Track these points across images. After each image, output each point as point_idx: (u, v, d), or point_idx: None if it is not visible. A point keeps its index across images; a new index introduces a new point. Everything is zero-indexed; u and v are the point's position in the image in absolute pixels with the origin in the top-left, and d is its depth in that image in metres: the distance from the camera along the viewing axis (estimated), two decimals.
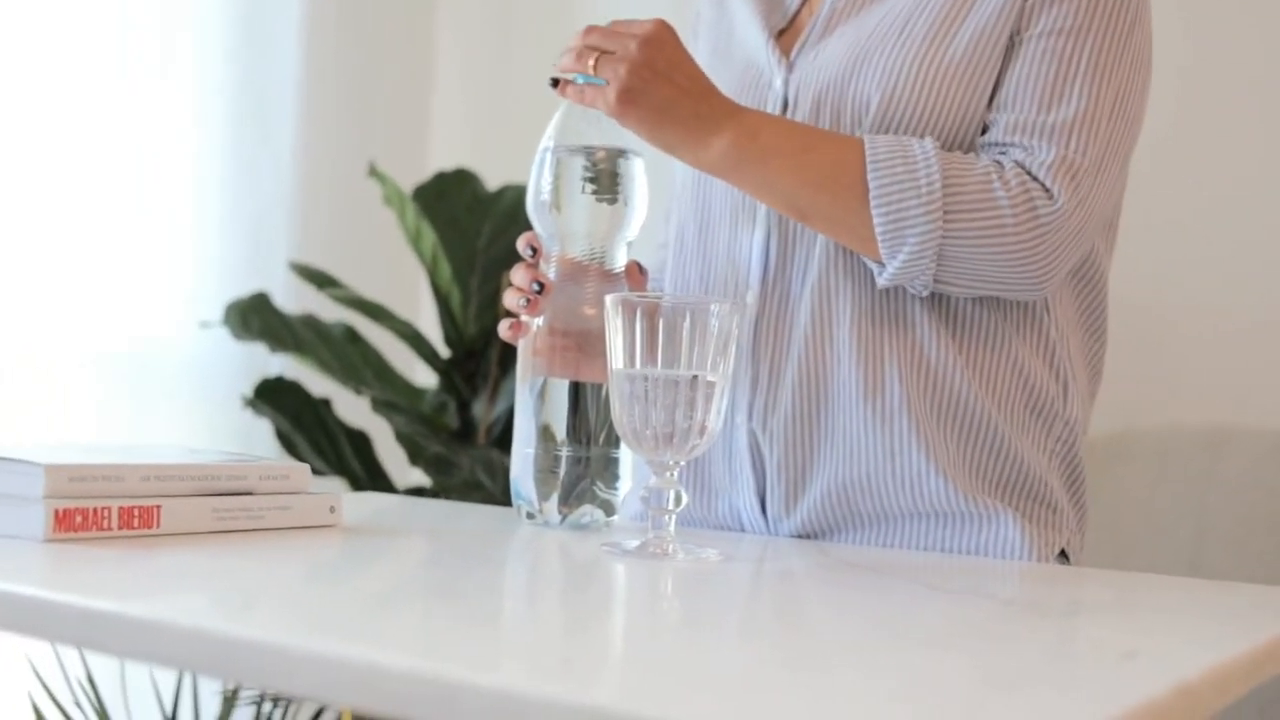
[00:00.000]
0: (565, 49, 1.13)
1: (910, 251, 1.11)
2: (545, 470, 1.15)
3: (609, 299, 1.01)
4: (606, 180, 1.16)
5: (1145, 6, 1.18)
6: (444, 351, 2.24)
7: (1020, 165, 1.12)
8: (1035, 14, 1.16)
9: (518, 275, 1.18)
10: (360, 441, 2.17)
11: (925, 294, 1.15)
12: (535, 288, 1.16)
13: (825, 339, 1.18)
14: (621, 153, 1.17)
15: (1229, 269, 2.00)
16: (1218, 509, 1.81)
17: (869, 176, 1.12)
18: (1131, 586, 1.01)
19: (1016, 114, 1.15)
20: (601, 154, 1.16)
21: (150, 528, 0.94)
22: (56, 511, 0.88)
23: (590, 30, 1.12)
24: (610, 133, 1.17)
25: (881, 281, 1.14)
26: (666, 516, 1.00)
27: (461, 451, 1.94)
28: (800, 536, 1.21)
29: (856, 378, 1.17)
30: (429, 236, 2.11)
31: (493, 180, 2.36)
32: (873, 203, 1.11)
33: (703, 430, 0.99)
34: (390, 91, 2.66)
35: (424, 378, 2.43)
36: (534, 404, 1.17)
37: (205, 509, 0.98)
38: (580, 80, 1.12)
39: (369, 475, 2.14)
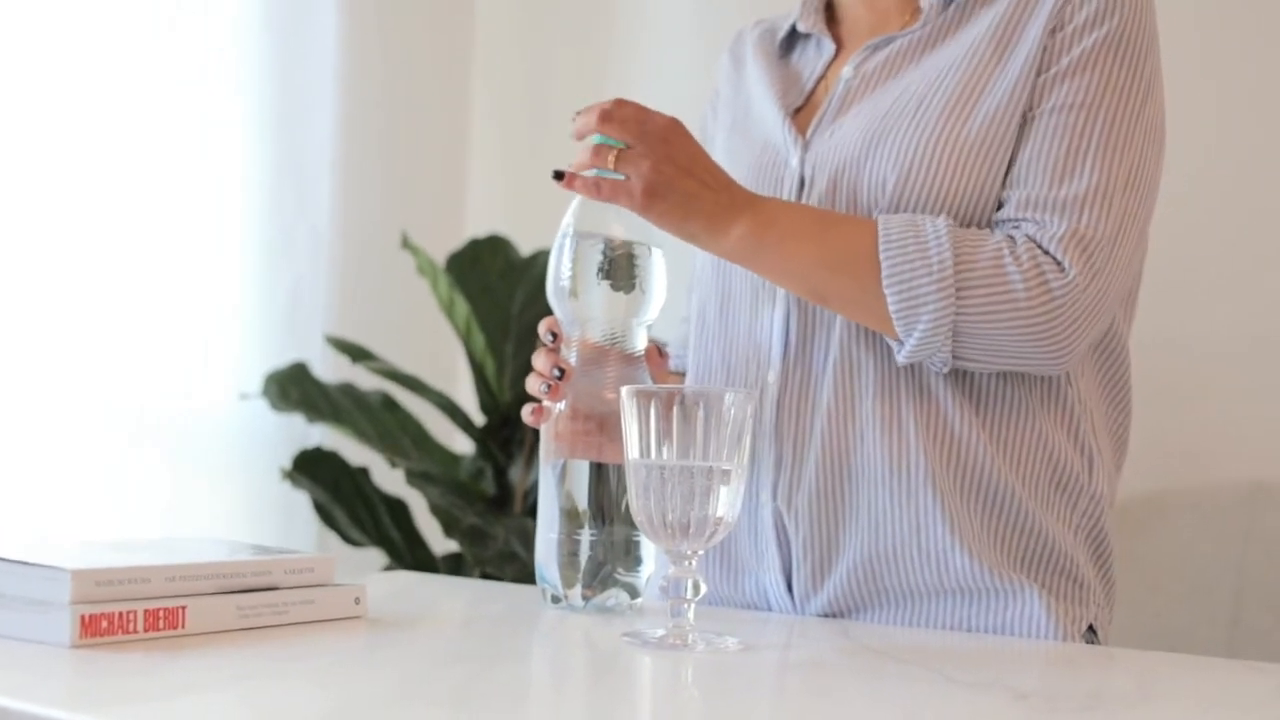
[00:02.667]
0: (580, 140, 1.14)
1: (925, 329, 1.12)
2: (568, 554, 1.16)
3: (624, 390, 1.02)
4: (623, 269, 1.17)
5: (1158, 80, 1.19)
6: (479, 419, 2.26)
7: (1032, 239, 1.13)
8: (1049, 89, 1.16)
9: (539, 361, 1.19)
10: (399, 510, 2.18)
11: (945, 370, 1.15)
12: (556, 374, 1.17)
13: (848, 416, 1.19)
14: (641, 244, 1.18)
15: (1263, 323, 1.99)
16: (1258, 565, 1.79)
17: (881, 256, 1.13)
18: (1155, 672, 1.01)
19: (1029, 189, 1.15)
20: (618, 243, 1.18)
21: (175, 629, 0.95)
22: (83, 617, 0.90)
23: (605, 121, 1.13)
24: (627, 220, 1.18)
25: (901, 359, 1.15)
26: (685, 606, 1.00)
27: (496, 522, 1.95)
28: (827, 615, 1.21)
29: (881, 453, 1.17)
30: (462, 307, 2.14)
31: (526, 246, 2.38)
32: (885, 282, 1.12)
33: (719, 520, 0.99)
34: (426, 160, 2.69)
35: (463, 444, 2.45)
36: (557, 487, 1.18)
37: (230, 607, 0.99)
38: (597, 174, 1.14)
39: (407, 544, 2.16)
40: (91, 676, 0.83)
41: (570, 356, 1.19)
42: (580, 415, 1.18)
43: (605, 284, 1.17)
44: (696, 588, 1.00)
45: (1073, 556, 1.19)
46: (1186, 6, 2.00)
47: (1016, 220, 1.15)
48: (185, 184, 2.18)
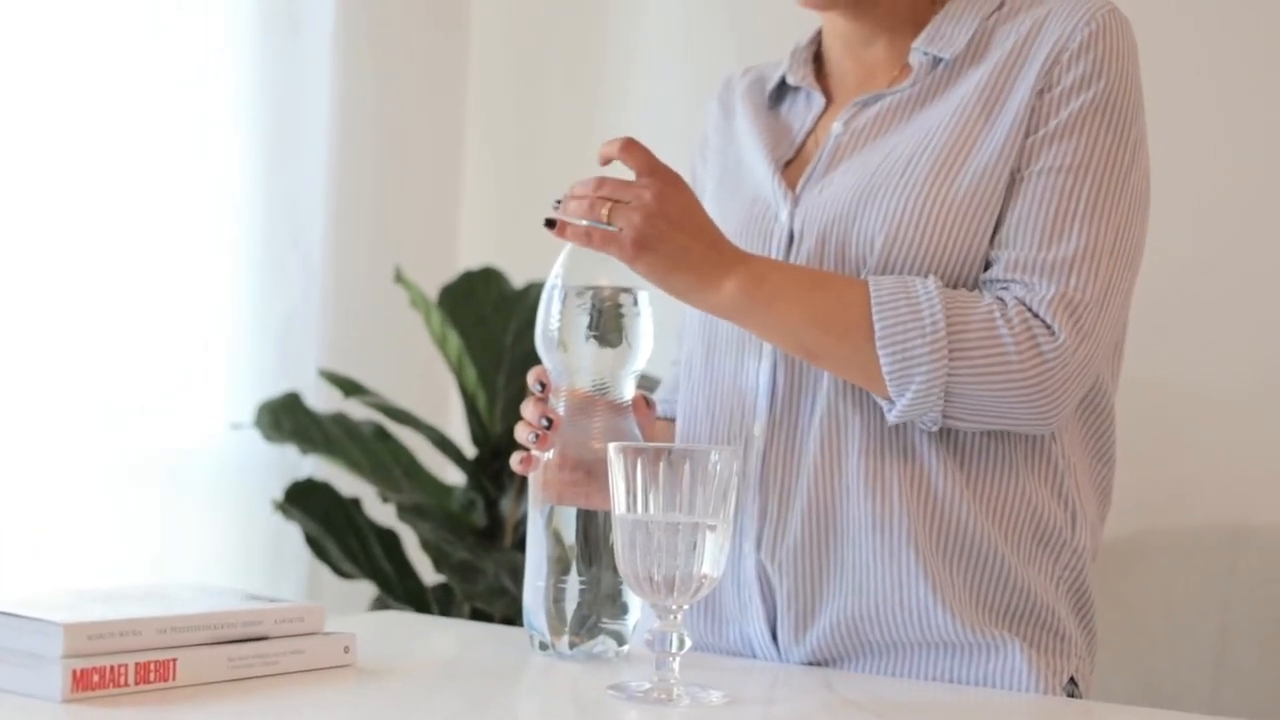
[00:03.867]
0: (573, 195, 1.16)
1: (917, 389, 1.13)
2: (555, 602, 1.18)
3: (611, 447, 1.03)
4: (611, 323, 1.19)
5: (1143, 143, 1.21)
6: (471, 451, 2.27)
7: (1021, 302, 1.15)
8: (1037, 151, 1.18)
9: (527, 410, 1.21)
10: (390, 542, 2.20)
11: (934, 429, 1.17)
12: (544, 423, 1.18)
13: (834, 471, 1.20)
14: (627, 293, 1.20)
15: (1247, 365, 2.01)
16: (1241, 605, 1.80)
17: (874, 316, 1.14)
18: None
19: (1018, 251, 1.17)
20: (606, 295, 1.19)
21: (166, 681, 0.96)
22: (74, 672, 0.91)
23: (603, 182, 1.15)
24: (616, 271, 1.20)
25: (892, 418, 1.16)
26: (671, 659, 1.02)
27: (486, 557, 1.97)
28: (811, 663, 1.22)
29: (864, 510, 1.19)
30: (454, 340, 2.15)
31: (519, 278, 2.40)
32: (878, 343, 1.14)
33: (704, 577, 1.01)
34: (419, 192, 2.71)
35: (456, 475, 2.46)
36: (544, 534, 1.20)
37: (220, 658, 1.00)
38: (587, 224, 1.15)
39: (399, 576, 2.17)
40: None
41: (559, 406, 1.21)
42: (568, 463, 1.19)
43: (593, 339, 1.19)
44: (681, 642, 1.02)
45: (1054, 610, 1.21)
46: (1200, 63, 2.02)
47: (1005, 282, 1.17)
48: (178, 215, 2.19)
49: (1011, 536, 1.20)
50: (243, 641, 1.02)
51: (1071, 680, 1.21)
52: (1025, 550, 1.20)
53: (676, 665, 1.01)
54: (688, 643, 1.02)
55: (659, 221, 1.13)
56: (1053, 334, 1.13)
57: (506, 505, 2.22)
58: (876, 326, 1.14)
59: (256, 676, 1.02)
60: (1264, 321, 2.00)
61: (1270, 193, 2.01)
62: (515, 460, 1.21)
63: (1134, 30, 1.23)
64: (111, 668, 0.93)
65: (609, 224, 1.13)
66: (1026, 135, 1.19)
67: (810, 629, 1.21)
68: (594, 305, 1.19)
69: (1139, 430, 1.93)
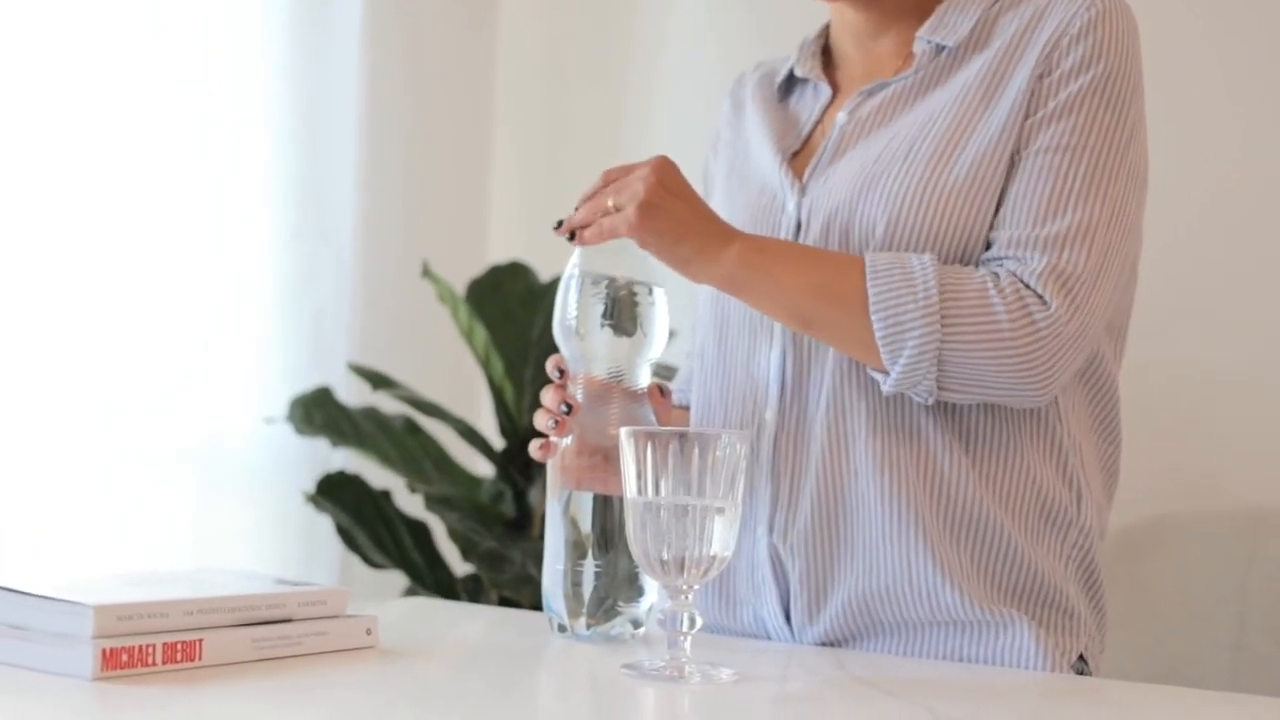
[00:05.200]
0: (580, 200, 1.21)
1: (910, 357, 1.15)
2: (572, 585, 1.20)
3: (623, 431, 1.06)
4: (626, 312, 1.21)
5: (1141, 124, 1.22)
6: (499, 443, 2.30)
7: (1015, 275, 1.16)
8: (1035, 132, 1.20)
9: (546, 397, 1.23)
10: (420, 533, 2.23)
11: (930, 402, 1.18)
12: (563, 409, 1.21)
13: (842, 454, 1.22)
14: (643, 285, 1.22)
15: (1265, 350, 2.01)
16: (1260, 591, 1.81)
17: (868, 285, 1.16)
18: (1135, 705, 1.04)
19: (1014, 230, 1.19)
20: (622, 285, 1.22)
21: (192, 661, 1.00)
22: (104, 651, 0.94)
23: (604, 180, 1.20)
24: (632, 262, 1.22)
25: (886, 388, 1.18)
26: (682, 639, 1.04)
27: (513, 546, 2.00)
28: (824, 644, 1.25)
29: (874, 492, 1.21)
30: (481, 333, 2.18)
31: (546, 272, 2.43)
32: (872, 309, 1.16)
33: (714, 557, 1.03)
34: (449, 188, 2.74)
35: (485, 466, 2.49)
36: (562, 519, 1.23)
37: (245, 639, 1.03)
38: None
39: (429, 566, 2.20)
40: (112, 709, 0.88)
41: (576, 393, 1.23)
42: (586, 449, 1.22)
43: (609, 327, 1.21)
44: (692, 621, 1.04)
45: (1062, 589, 1.22)
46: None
47: (1000, 259, 1.19)
48: (211, 213, 2.23)
49: (1018, 515, 1.21)
50: (267, 624, 1.06)
51: (1081, 658, 1.23)
52: (1032, 529, 1.22)
53: (688, 644, 1.04)
54: (699, 621, 1.04)
55: (659, 191, 1.17)
56: (1045, 304, 1.15)
57: (534, 496, 2.25)
58: (870, 294, 1.16)
59: (280, 657, 1.05)
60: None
61: (1269, 184, 2.01)
62: (534, 447, 1.24)
63: (1134, 16, 1.24)
64: (140, 647, 0.97)
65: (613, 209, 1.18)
66: (1026, 118, 1.20)
67: (823, 610, 1.23)
68: (610, 295, 1.22)
69: (1158, 415, 1.95)
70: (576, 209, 1.21)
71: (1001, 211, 1.20)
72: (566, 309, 1.23)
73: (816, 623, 1.24)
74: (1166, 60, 1.75)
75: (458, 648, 1.23)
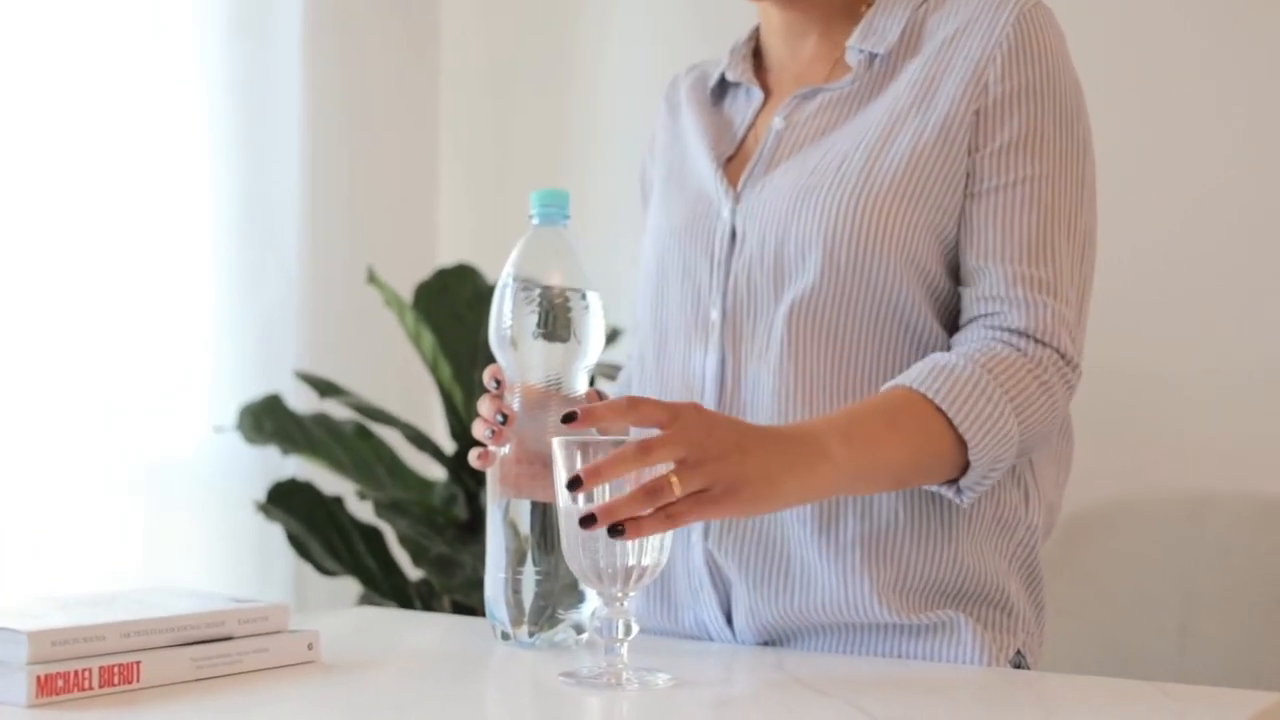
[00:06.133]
0: (607, 478, 1.01)
1: (999, 470, 1.18)
2: (514, 592, 1.21)
3: (555, 441, 1.07)
4: (560, 320, 1.22)
5: (1089, 132, 1.25)
6: (450, 446, 2.31)
7: (1028, 336, 1.19)
8: (995, 164, 1.21)
9: (483, 407, 1.24)
10: (373, 538, 2.23)
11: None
12: (500, 419, 1.22)
13: None
14: (576, 291, 1.23)
15: (1213, 337, 2.04)
16: (1205, 574, 1.84)
17: (952, 416, 1.14)
18: (1064, 700, 1.06)
19: (1007, 266, 1.20)
20: (555, 293, 1.22)
21: (130, 683, 1.00)
22: (39, 678, 0.94)
23: (631, 456, 1.00)
24: (569, 268, 1.23)
25: (966, 501, 1.19)
26: (618, 645, 1.05)
27: (464, 550, 2.00)
28: (765, 643, 1.26)
29: (810, 509, 1.21)
30: (428, 338, 2.19)
31: (493, 274, 2.43)
32: (971, 443, 1.14)
33: (645, 567, 1.04)
34: (395, 192, 2.74)
35: (438, 470, 2.49)
36: (503, 526, 1.24)
37: (184, 659, 1.04)
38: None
39: (383, 571, 2.21)
40: None
41: (514, 402, 1.24)
42: (525, 457, 1.23)
43: (543, 336, 1.22)
44: (628, 628, 1.05)
45: (1004, 587, 1.24)
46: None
47: (1001, 300, 1.20)
48: (154, 221, 2.22)
49: (965, 522, 1.22)
50: (207, 642, 1.06)
51: (1019, 653, 1.25)
52: (978, 532, 1.23)
53: (625, 650, 1.05)
54: (635, 629, 1.05)
55: (733, 455, 1.02)
56: (1068, 362, 1.20)
57: (486, 498, 2.25)
58: (958, 424, 1.14)
59: (221, 676, 1.06)
60: (1231, 298, 2.03)
61: (1222, 187, 2.04)
62: (473, 456, 1.24)
63: (1057, 20, 1.26)
64: (76, 672, 0.97)
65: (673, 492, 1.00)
66: (974, 121, 1.21)
67: (760, 614, 1.24)
68: (544, 304, 1.22)
69: (1105, 405, 1.97)
70: (583, 478, 1.00)
71: (978, 244, 1.21)
72: (501, 319, 1.24)
73: (757, 624, 1.25)
74: (1134, 66, 1.78)
75: (400, 659, 1.23)
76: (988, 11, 1.23)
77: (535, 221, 1.26)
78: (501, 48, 2.82)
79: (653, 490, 0.99)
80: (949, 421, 1.14)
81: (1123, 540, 1.91)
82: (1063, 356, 1.19)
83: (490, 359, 2.31)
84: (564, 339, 1.22)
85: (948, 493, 1.18)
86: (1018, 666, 1.25)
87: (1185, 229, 2.07)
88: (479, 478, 2.28)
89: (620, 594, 1.05)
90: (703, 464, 1.00)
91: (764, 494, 1.03)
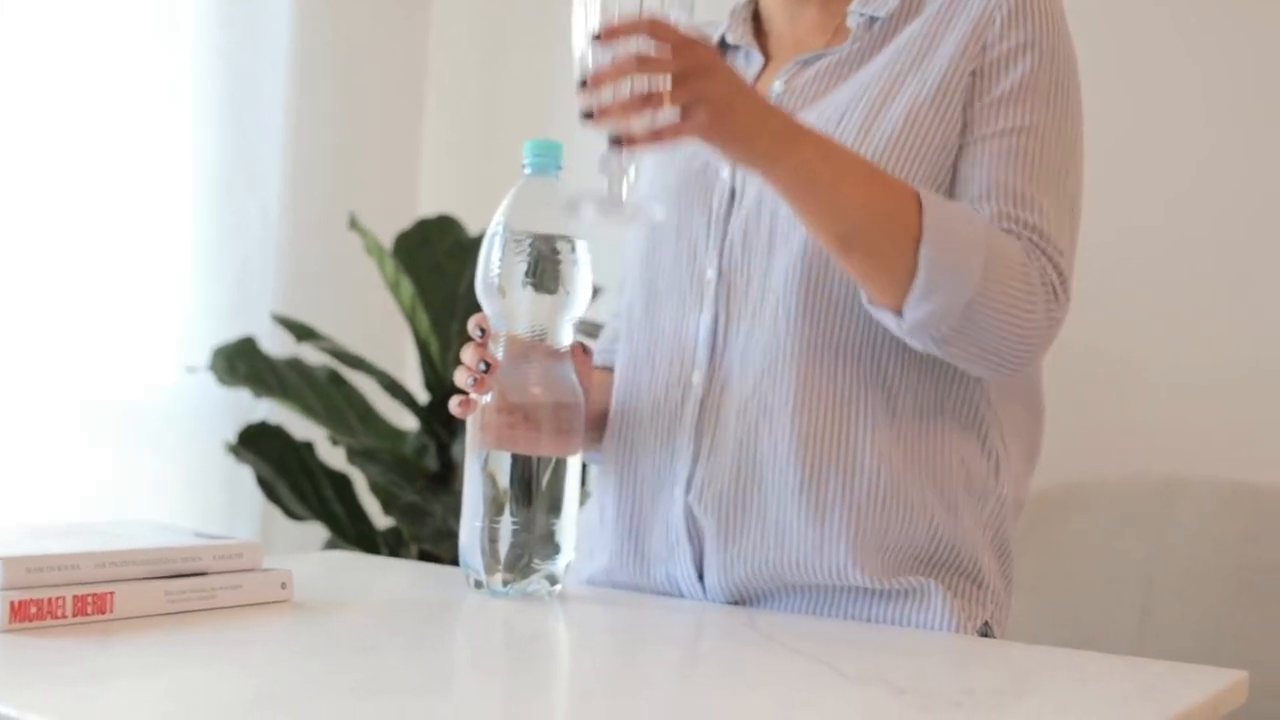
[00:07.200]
0: (604, 82, 1.04)
1: (941, 303, 1.13)
2: (490, 541, 1.21)
3: None
4: (549, 271, 1.22)
5: (1080, 98, 1.26)
6: (423, 396, 2.30)
7: (1043, 254, 1.17)
8: (991, 113, 1.21)
9: (466, 355, 1.24)
10: (342, 485, 2.23)
11: (926, 349, 1.18)
12: (482, 367, 1.21)
13: (764, 427, 1.23)
14: (566, 241, 1.22)
15: (1186, 322, 2.05)
16: (1169, 557, 1.86)
17: (924, 220, 1.13)
18: (1033, 667, 1.07)
19: (1001, 205, 1.19)
20: (545, 243, 1.22)
21: (104, 613, 0.99)
22: (12, 603, 0.94)
23: (640, 61, 1.03)
24: (559, 217, 1.22)
25: (903, 328, 1.16)
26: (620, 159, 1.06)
27: (435, 500, 2.00)
28: (735, 602, 1.26)
29: (793, 469, 1.21)
30: (407, 287, 2.18)
31: (475, 226, 2.42)
32: (923, 246, 1.13)
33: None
34: (379, 140, 2.72)
35: (409, 419, 2.49)
36: (481, 476, 1.23)
37: (158, 592, 1.03)
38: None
39: (350, 518, 2.20)
40: (18, 662, 0.87)
41: (497, 351, 1.23)
42: (506, 407, 1.22)
43: (531, 285, 1.22)
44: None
45: (976, 558, 1.24)
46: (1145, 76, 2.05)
47: (1007, 226, 1.19)
48: (135, 160, 2.20)
49: (940, 489, 1.23)
50: (181, 576, 1.05)
51: (986, 624, 1.26)
52: (952, 501, 1.23)
53: (633, 171, 1.06)
54: (634, 169, 1.06)
55: (733, 82, 1.07)
56: (1057, 299, 1.18)
57: (458, 450, 2.25)
58: (925, 230, 1.13)
59: (194, 610, 1.05)
60: (1203, 284, 2.05)
61: (1202, 181, 2.05)
62: (454, 404, 1.24)
63: None
64: (49, 600, 0.96)
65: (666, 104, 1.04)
66: (971, 82, 1.22)
67: (734, 571, 1.25)
68: (533, 252, 1.22)
69: (1079, 388, 1.98)
70: (584, 82, 1.04)
71: (969, 189, 1.21)
72: (489, 267, 1.23)
73: (728, 583, 1.25)
74: (1114, 61, 1.78)
75: (373, 602, 1.23)
76: None
77: (528, 171, 1.25)
78: None
79: (647, 100, 1.03)
80: (921, 219, 1.12)
81: (1093, 520, 1.93)
82: (1056, 270, 1.17)
83: (470, 311, 2.31)
84: (552, 290, 1.22)
85: (888, 317, 1.16)
86: (985, 636, 1.26)
87: (1165, 220, 2.08)
88: (451, 429, 2.28)
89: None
90: (700, 80, 1.05)
91: (739, 136, 1.08)
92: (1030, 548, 1.90)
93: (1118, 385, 2.08)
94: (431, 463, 2.26)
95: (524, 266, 1.22)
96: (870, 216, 1.13)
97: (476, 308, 1.28)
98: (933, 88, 1.22)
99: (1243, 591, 1.80)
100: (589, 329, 1.99)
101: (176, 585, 1.05)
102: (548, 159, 1.25)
